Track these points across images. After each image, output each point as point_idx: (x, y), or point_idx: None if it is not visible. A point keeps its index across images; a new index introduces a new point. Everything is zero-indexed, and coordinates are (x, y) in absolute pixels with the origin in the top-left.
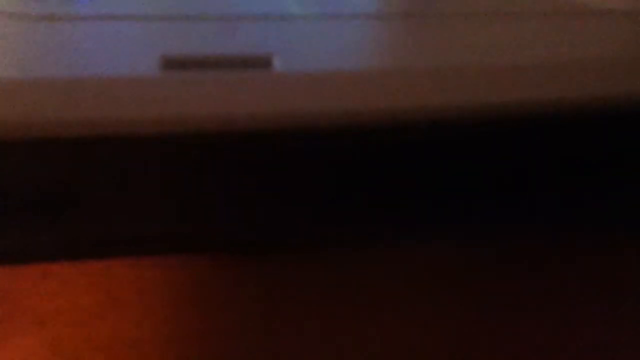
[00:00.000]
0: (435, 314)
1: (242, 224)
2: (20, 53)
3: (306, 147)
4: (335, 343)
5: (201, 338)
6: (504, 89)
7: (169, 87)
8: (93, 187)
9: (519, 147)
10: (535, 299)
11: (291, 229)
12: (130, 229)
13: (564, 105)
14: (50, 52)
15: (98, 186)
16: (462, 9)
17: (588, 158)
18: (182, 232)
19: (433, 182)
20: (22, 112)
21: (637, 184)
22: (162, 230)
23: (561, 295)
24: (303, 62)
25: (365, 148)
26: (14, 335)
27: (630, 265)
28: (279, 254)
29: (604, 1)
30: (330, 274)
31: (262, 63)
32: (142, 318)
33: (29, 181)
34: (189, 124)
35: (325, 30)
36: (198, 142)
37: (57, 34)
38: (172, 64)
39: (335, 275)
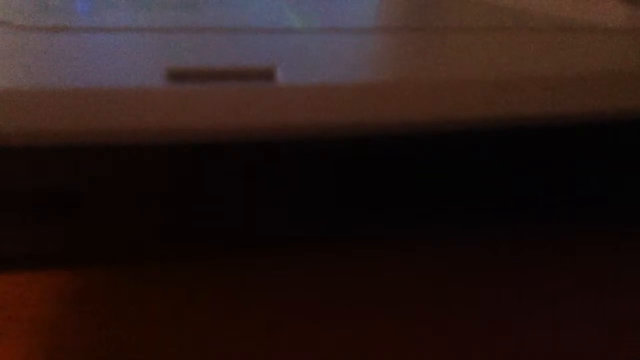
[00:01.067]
0: (434, 314)
1: (246, 227)
2: (25, 64)
3: (307, 156)
4: (332, 344)
5: (202, 343)
6: (502, 101)
7: (174, 98)
8: (95, 195)
9: (517, 154)
10: (536, 299)
11: (295, 232)
12: (130, 237)
13: (561, 117)
14: (56, 62)
15: (100, 195)
16: (461, 23)
17: (584, 163)
18: (182, 239)
19: (434, 186)
20: (27, 121)
21: (634, 185)
22: (163, 237)
23: (562, 295)
24: (305, 74)
25: (366, 156)
26: (10, 344)
27: (632, 265)
28: (271, 256)
29: (598, 18)
30: (327, 274)
31: (265, 75)
32: (141, 324)
33: (31, 188)
34: (194, 135)
35: (327, 43)
36: (202, 152)
37: (62, 45)
38: (177, 75)
39: (333, 276)
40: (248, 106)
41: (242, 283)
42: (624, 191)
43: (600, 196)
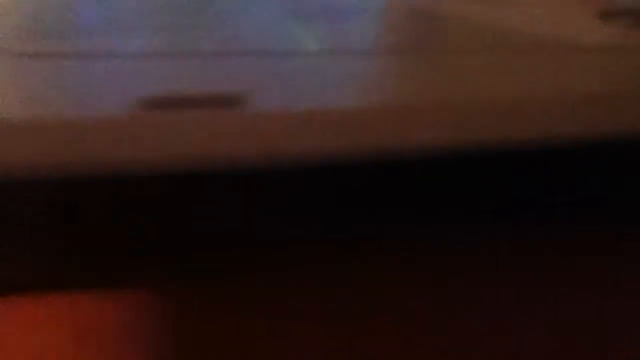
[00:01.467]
0: (434, 314)
1: (244, 229)
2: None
3: (281, 181)
4: (331, 344)
5: (201, 344)
6: (497, 123)
7: (145, 127)
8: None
9: (516, 157)
10: (536, 299)
11: (294, 233)
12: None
13: (560, 136)
14: (30, 90)
15: (78, 218)
16: (456, 45)
17: (583, 164)
18: (158, 260)
19: (434, 186)
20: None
21: (633, 186)
22: (140, 258)
23: (562, 295)
24: (282, 99)
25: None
26: None
27: (631, 266)
28: (269, 257)
29: (595, 38)
30: (327, 275)
31: (238, 101)
32: (121, 349)
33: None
34: (167, 163)
35: (306, 67)
36: (175, 179)
37: (38, 72)
38: (151, 103)
39: (333, 276)
40: (221, 133)
41: (241, 284)
42: (624, 192)
43: (599, 197)
